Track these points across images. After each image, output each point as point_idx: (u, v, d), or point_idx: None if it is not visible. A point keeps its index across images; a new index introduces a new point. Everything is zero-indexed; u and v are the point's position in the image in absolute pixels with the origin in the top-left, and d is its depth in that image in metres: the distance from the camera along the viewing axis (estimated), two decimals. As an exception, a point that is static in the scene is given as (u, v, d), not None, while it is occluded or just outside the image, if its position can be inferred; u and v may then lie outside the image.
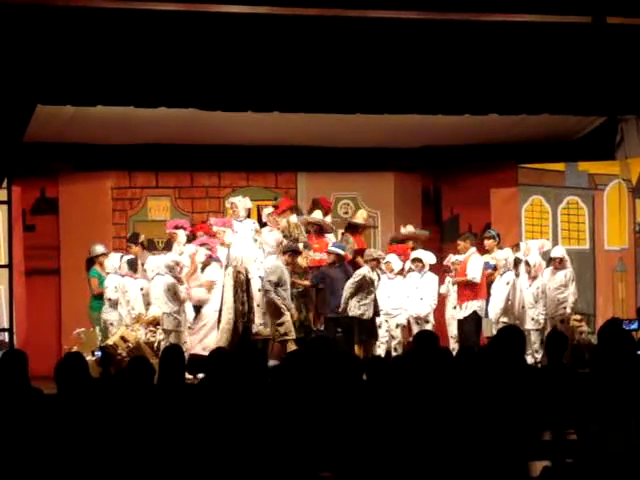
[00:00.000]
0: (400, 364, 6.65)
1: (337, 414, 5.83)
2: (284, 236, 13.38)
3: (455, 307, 13.43)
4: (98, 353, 11.98)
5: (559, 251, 13.49)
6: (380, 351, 13.33)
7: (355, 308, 13.04)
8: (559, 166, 14.57)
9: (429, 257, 13.75)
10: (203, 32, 10.90)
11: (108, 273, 13.12)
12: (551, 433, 6.04)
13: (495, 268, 13.36)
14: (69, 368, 6.17)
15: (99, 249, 13.50)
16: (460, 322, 13.21)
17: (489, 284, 13.33)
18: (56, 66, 10.56)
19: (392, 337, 13.57)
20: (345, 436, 5.59)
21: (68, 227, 14.33)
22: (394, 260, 13.68)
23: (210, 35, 10.92)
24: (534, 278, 13.15)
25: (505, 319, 12.94)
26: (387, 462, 5.37)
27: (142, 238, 13.69)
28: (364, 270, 13.19)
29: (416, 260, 13.66)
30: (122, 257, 13.18)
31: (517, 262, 13.36)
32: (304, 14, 11.04)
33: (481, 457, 5.41)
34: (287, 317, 12.78)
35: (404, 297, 13.53)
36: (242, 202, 13.62)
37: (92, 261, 13.54)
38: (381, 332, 13.60)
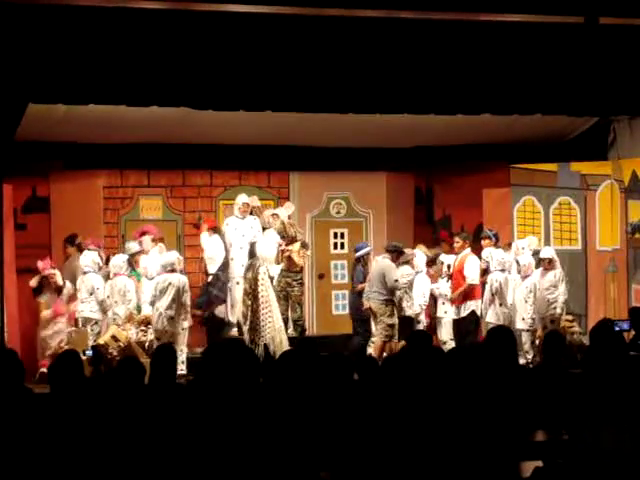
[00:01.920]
0: (393, 364, 6.64)
1: (331, 414, 5.82)
2: (281, 237, 13.40)
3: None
4: (89, 352, 11.96)
5: (548, 252, 13.48)
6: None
7: (407, 308, 13.11)
8: (551, 166, 14.57)
9: (420, 258, 13.75)
10: (195, 31, 10.88)
11: (86, 272, 13.06)
12: (543, 433, 6.04)
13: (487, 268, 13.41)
14: (64, 366, 6.14)
15: (134, 246, 13.43)
16: (457, 322, 13.21)
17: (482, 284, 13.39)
18: (48, 65, 10.54)
19: None
20: (340, 436, 5.59)
21: (59, 226, 14.28)
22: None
23: (202, 34, 10.91)
24: (525, 278, 13.15)
25: (494, 319, 12.95)
26: (380, 461, 5.36)
27: (79, 239, 13.63)
28: (409, 269, 13.27)
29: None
30: (97, 255, 13.18)
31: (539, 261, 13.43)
32: (296, 13, 11.03)
33: (472, 457, 5.40)
34: (396, 318, 12.96)
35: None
36: (251, 200, 13.69)
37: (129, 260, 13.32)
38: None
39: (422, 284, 13.62)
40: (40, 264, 12.99)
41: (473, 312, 13.18)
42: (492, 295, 13.12)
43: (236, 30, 10.94)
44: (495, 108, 12.39)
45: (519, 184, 14.68)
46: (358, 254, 13.65)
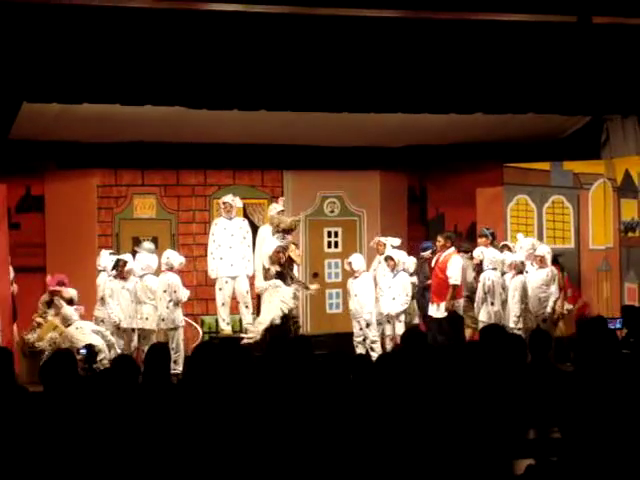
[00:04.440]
0: (387, 362, 6.66)
1: (325, 412, 5.84)
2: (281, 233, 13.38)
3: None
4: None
5: (542, 249, 13.49)
6: (359, 350, 13.30)
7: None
8: (544, 165, 14.60)
9: (401, 256, 13.75)
10: (189, 30, 10.90)
11: (100, 271, 13.11)
12: (535, 431, 6.06)
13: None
14: (58, 365, 6.14)
15: (148, 246, 13.46)
16: (439, 321, 13.19)
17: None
18: (42, 64, 10.55)
19: (366, 337, 13.56)
20: (335, 434, 5.60)
21: (54, 225, 14.30)
22: (358, 259, 13.72)
23: (196, 33, 10.92)
24: (517, 275, 13.12)
25: (486, 318, 12.96)
26: (375, 460, 5.38)
27: None
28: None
29: (388, 259, 13.69)
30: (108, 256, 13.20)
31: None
32: (290, 13, 11.05)
33: (466, 455, 5.42)
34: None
35: (369, 296, 13.55)
36: (235, 201, 13.65)
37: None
38: (355, 331, 13.59)
39: (404, 283, 13.59)
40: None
41: (454, 312, 13.21)
42: (484, 294, 13.12)
43: (230, 29, 10.96)
44: (488, 107, 12.42)
45: (512, 183, 14.71)
46: (424, 253, 13.81)
